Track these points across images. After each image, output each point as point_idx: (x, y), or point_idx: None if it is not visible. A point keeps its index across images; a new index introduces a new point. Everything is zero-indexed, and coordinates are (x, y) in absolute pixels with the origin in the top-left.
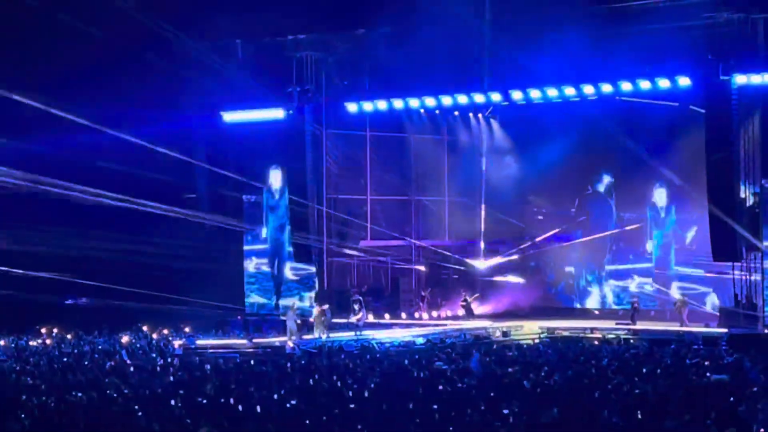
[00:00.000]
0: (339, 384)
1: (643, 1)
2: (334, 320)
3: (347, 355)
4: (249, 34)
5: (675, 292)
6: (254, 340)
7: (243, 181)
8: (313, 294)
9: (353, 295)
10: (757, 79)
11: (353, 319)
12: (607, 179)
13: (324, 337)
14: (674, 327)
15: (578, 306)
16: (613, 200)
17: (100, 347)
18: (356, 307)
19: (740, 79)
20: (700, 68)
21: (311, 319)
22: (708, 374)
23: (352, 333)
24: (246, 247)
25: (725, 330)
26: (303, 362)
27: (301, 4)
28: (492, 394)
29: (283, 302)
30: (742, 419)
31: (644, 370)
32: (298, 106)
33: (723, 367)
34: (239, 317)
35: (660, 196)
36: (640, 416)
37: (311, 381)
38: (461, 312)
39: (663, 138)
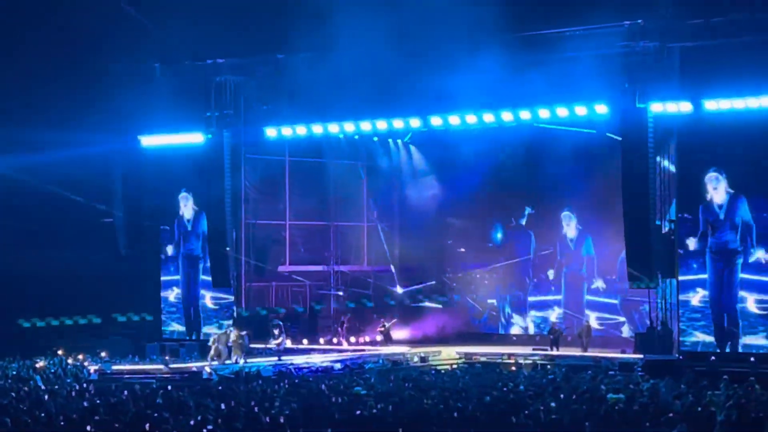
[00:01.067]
0: (256, 409)
1: (560, 29)
2: (253, 345)
3: (264, 380)
4: (168, 57)
5: (584, 318)
6: (171, 366)
7: (160, 205)
8: (231, 320)
9: (273, 320)
10: (672, 107)
11: (273, 343)
12: (527, 210)
13: (241, 362)
14: (591, 353)
15: (498, 332)
16: (531, 231)
17: (14, 373)
18: (276, 332)
19: (656, 107)
20: (617, 96)
21: (229, 345)
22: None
23: (273, 358)
24: (164, 278)
25: (641, 356)
26: (220, 388)
27: (221, 27)
28: (409, 420)
29: (206, 329)
30: None
31: (561, 396)
32: (217, 131)
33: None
34: (156, 342)
35: (576, 223)
36: None
37: (228, 406)
38: (379, 337)
39: (582, 165)
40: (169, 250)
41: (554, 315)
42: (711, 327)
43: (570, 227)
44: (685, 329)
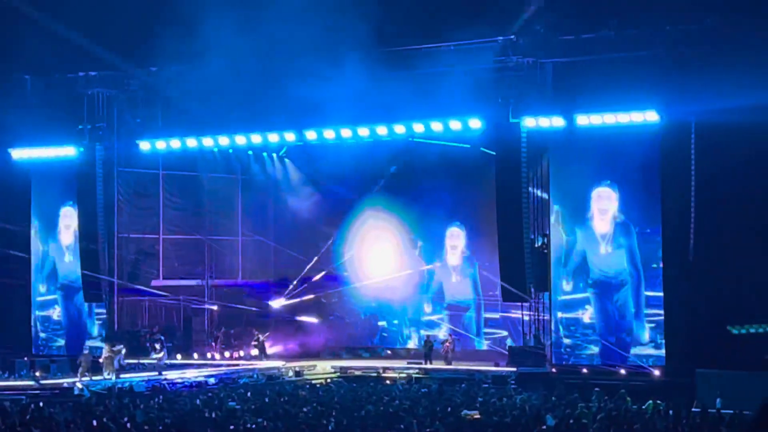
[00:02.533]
0: (129, 425)
1: (435, 44)
2: (128, 360)
3: (138, 395)
4: (39, 69)
5: (449, 333)
6: (42, 382)
7: (31, 219)
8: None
9: (155, 334)
10: (545, 122)
11: (154, 358)
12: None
13: (113, 378)
14: (465, 366)
15: (372, 345)
16: (418, 248)
17: None
18: (158, 346)
19: (529, 122)
20: (491, 111)
21: (101, 360)
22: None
23: (152, 372)
24: (39, 298)
25: (514, 368)
26: (92, 403)
27: (92, 40)
28: None
29: (91, 343)
30: None
31: (437, 409)
32: (90, 144)
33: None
34: (26, 358)
35: (458, 238)
36: None
37: (99, 423)
38: (254, 352)
39: (458, 179)
40: (40, 262)
41: (442, 331)
42: (599, 342)
43: (457, 241)
44: (580, 344)
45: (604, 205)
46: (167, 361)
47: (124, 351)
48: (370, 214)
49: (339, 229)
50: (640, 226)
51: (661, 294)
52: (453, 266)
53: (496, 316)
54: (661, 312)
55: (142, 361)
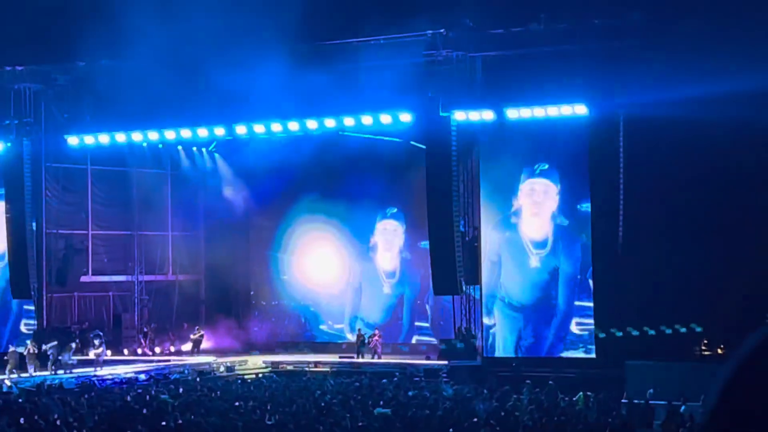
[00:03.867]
0: (58, 422)
1: (365, 38)
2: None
3: (67, 392)
4: None
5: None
6: None
7: None
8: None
9: (85, 330)
10: (475, 115)
11: (92, 354)
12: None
13: (36, 373)
14: (397, 359)
15: (305, 340)
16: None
17: None
18: (96, 342)
19: (459, 116)
20: (421, 105)
21: (26, 354)
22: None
23: (92, 368)
24: None
25: (446, 362)
26: (21, 400)
27: (19, 34)
28: (215, 430)
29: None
30: None
31: (370, 403)
32: (17, 139)
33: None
34: None
35: (390, 232)
36: None
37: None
38: (185, 347)
39: (389, 174)
40: None
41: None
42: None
43: (389, 234)
44: (511, 336)
45: (539, 198)
46: (106, 357)
47: (73, 347)
48: (304, 210)
49: (270, 224)
50: (570, 220)
51: (590, 287)
52: (383, 259)
53: (428, 309)
54: (591, 304)
55: (88, 357)
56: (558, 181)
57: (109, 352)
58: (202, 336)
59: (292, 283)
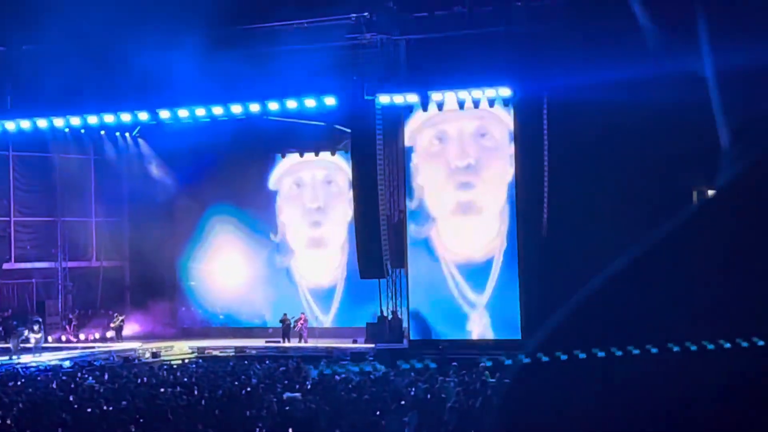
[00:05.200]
0: None
1: (288, 22)
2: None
3: None
4: None
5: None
6: None
7: None
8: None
9: (7, 319)
10: (399, 99)
11: (32, 339)
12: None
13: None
14: (323, 343)
15: (232, 325)
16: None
17: None
18: (36, 327)
19: (384, 99)
20: (345, 88)
21: None
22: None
23: (31, 355)
24: None
25: (372, 345)
26: None
27: None
28: (142, 416)
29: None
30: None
31: (297, 387)
32: None
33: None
34: None
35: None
36: None
37: None
38: (110, 334)
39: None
40: None
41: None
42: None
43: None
44: (438, 318)
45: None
46: (43, 344)
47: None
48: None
49: (196, 206)
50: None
51: (516, 270)
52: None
53: (352, 291)
54: (517, 287)
55: (27, 345)
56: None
57: (50, 338)
58: (122, 322)
59: (215, 275)
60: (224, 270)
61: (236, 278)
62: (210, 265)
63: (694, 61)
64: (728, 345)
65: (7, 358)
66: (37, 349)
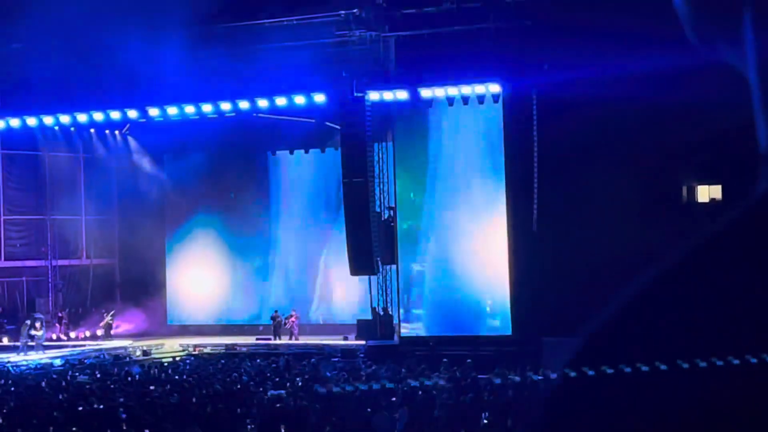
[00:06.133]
0: None
1: (276, 19)
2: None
3: None
4: None
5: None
6: None
7: None
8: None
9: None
10: (389, 95)
11: (34, 335)
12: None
13: None
14: (314, 340)
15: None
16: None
17: None
18: (38, 324)
19: (374, 96)
20: (335, 85)
21: None
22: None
23: (34, 352)
24: None
25: (363, 342)
26: None
27: None
28: (133, 413)
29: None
30: (373, 428)
31: (288, 384)
32: None
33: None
34: None
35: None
36: (283, 430)
37: None
38: (100, 332)
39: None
40: None
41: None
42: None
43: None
44: (427, 315)
45: None
46: (45, 342)
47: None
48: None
49: (185, 206)
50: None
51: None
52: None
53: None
54: (506, 282)
55: (29, 343)
56: (473, 160)
57: (54, 336)
58: (111, 320)
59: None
60: (214, 267)
61: (226, 275)
62: (200, 263)
63: (737, 56)
64: (754, 360)
65: (14, 354)
66: (39, 347)
